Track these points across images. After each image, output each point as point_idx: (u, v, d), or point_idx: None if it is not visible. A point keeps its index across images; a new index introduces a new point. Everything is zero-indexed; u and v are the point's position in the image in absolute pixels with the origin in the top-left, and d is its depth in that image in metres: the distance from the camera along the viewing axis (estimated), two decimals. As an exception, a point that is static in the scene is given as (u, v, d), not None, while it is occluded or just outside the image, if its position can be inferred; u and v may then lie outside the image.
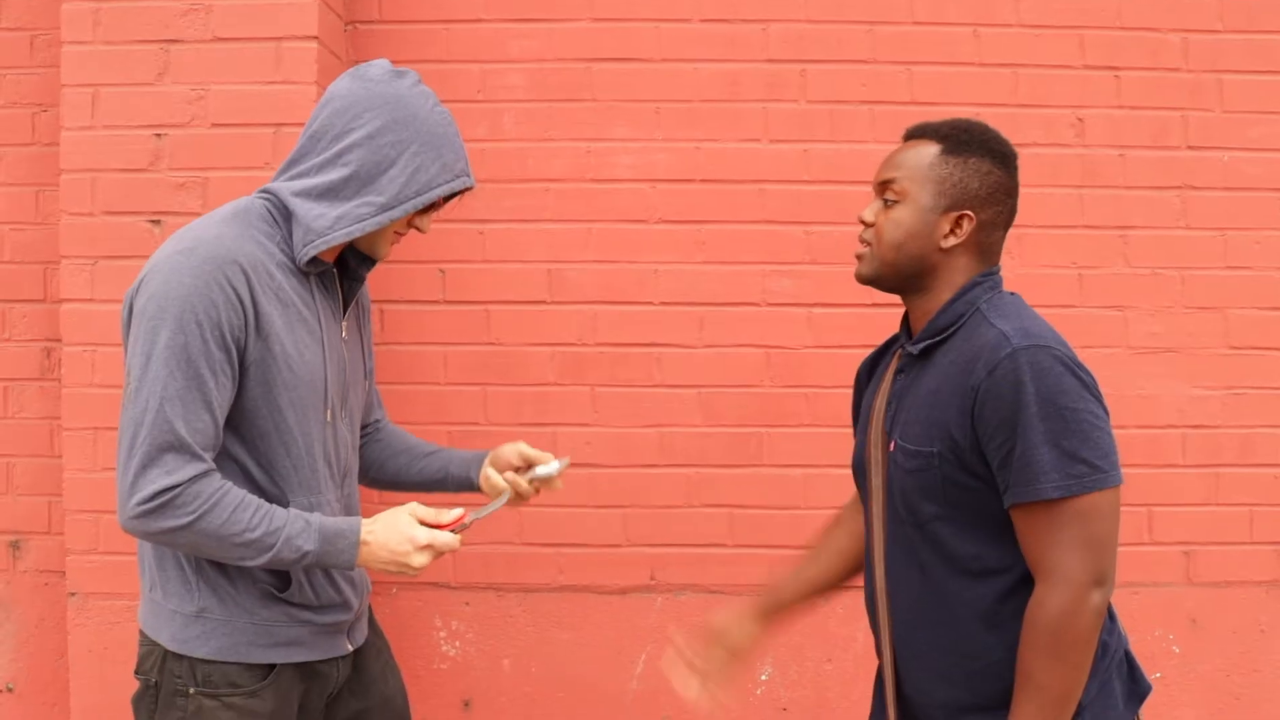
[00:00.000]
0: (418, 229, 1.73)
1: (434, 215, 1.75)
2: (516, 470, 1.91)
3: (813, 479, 2.80)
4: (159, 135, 2.60)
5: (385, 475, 2.00)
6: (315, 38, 2.56)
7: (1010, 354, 1.46)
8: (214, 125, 2.59)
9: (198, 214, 2.32)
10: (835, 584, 1.90)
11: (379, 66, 1.68)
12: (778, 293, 2.81)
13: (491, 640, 2.82)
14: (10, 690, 2.87)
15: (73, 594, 2.63)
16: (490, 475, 1.92)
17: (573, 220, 2.81)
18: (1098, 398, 1.49)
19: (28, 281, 2.85)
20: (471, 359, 2.82)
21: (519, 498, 1.91)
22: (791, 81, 2.81)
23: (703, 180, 2.81)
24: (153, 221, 2.60)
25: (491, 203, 2.81)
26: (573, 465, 2.75)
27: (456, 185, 1.68)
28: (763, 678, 2.81)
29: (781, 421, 2.81)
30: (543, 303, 2.82)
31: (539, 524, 2.81)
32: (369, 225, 1.62)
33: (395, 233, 1.72)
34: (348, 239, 1.63)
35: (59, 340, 2.71)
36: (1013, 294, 1.62)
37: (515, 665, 2.82)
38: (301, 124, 2.32)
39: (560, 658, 2.82)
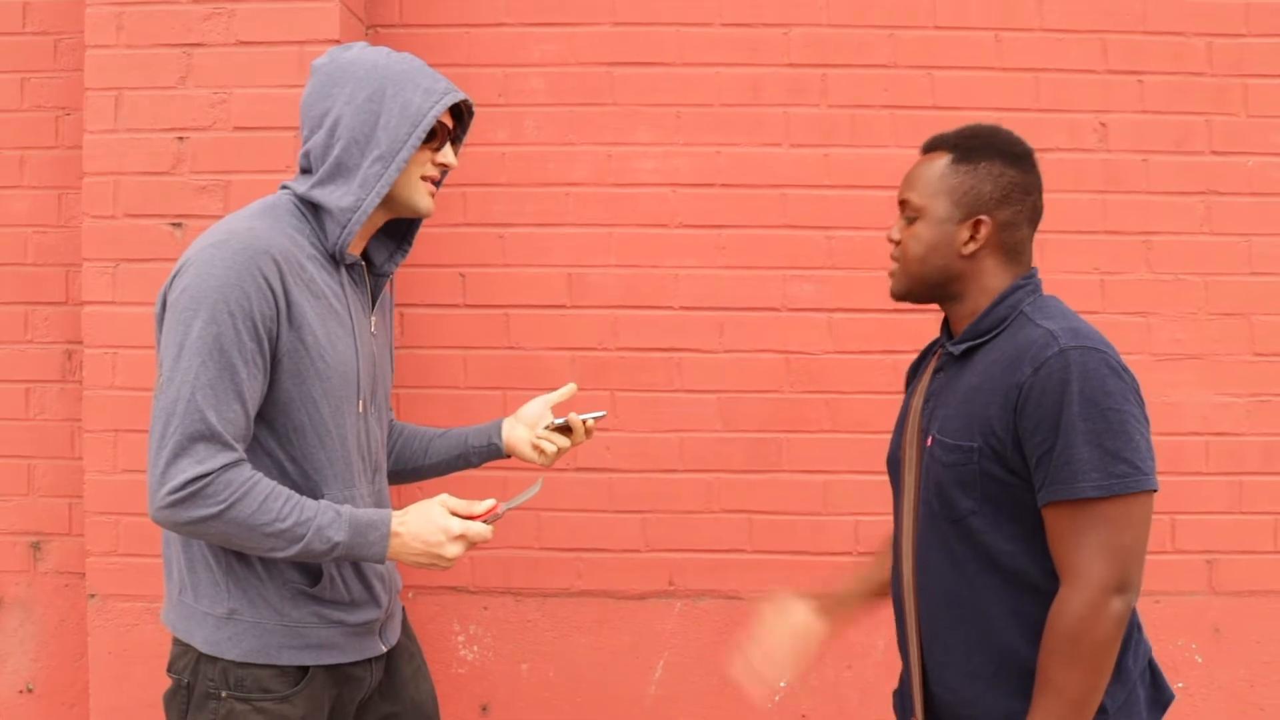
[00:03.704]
0: (446, 165, 1.73)
1: (455, 147, 1.76)
2: (548, 424, 1.93)
3: (832, 485, 2.79)
4: (181, 139, 2.61)
5: (403, 467, 2.00)
6: (337, 41, 2.57)
7: (1059, 353, 1.48)
8: (236, 129, 2.60)
9: (219, 217, 2.34)
10: None
11: (324, 55, 1.70)
12: (798, 298, 2.80)
13: (510, 645, 2.82)
14: (30, 691, 2.88)
15: (93, 595, 2.64)
16: (518, 440, 1.94)
17: (593, 224, 2.81)
18: (1141, 403, 1.50)
19: (50, 284, 2.86)
20: (491, 363, 2.82)
21: (578, 439, 1.94)
22: (813, 86, 2.80)
23: (723, 185, 2.81)
24: (174, 225, 2.61)
25: (512, 207, 2.81)
26: (591, 470, 2.79)
27: (447, 101, 1.68)
28: (781, 685, 2.79)
29: (801, 427, 2.80)
30: (563, 307, 2.81)
31: (558, 529, 2.81)
32: (389, 177, 1.64)
33: (424, 179, 1.72)
34: (379, 198, 1.64)
35: (80, 343, 2.73)
36: (1053, 296, 1.64)
37: (533, 670, 2.82)
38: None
39: (578, 662, 2.81)
